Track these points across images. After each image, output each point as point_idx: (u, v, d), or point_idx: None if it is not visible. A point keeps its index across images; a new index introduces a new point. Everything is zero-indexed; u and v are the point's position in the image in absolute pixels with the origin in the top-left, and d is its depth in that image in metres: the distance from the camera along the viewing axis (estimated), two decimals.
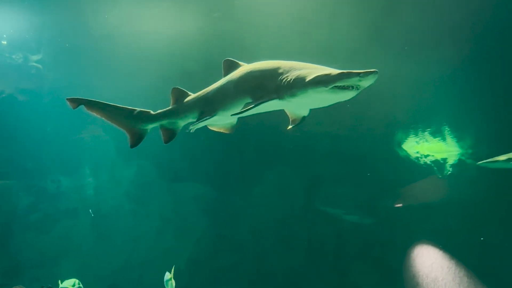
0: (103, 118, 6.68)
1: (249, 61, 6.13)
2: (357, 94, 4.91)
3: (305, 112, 5.82)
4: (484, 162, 12.27)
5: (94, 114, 6.59)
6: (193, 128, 6.42)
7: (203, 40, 12.35)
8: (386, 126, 13.93)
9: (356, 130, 13.95)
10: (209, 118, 6.10)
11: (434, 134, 14.39)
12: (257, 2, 11.30)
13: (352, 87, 4.80)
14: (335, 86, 4.81)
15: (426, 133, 14.44)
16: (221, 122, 6.44)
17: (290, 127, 5.96)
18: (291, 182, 15.36)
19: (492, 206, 13.95)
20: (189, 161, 14.94)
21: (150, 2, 11.67)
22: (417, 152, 15.07)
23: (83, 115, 14.10)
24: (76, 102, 6.43)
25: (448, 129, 14.12)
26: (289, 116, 5.95)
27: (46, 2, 12.16)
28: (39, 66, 13.97)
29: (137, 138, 6.79)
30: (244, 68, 5.97)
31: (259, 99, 5.37)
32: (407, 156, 14.99)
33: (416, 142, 14.82)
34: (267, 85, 5.40)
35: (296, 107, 5.67)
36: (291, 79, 5.13)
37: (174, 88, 6.91)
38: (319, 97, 5.01)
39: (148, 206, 15.57)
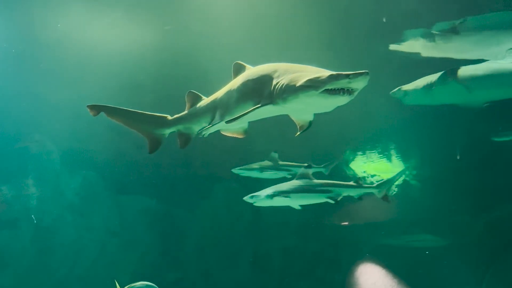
0: (123, 124, 6.61)
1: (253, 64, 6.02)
2: (352, 98, 4.75)
3: (310, 117, 5.55)
4: (238, 169, 12.64)
5: (114, 120, 6.52)
6: (205, 133, 6.32)
7: (155, 52, 12.26)
8: (334, 145, 14.09)
9: (304, 148, 14.04)
10: (217, 123, 5.99)
11: (381, 154, 14.67)
12: (210, 16, 11.29)
13: (344, 90, 4.65)
14: (326, 90, 4.66)
15: (373, 153, 14.69)
16: (232, 126, 6.23)
17: (298, 133, 5.72)
18: (238, 198, 15.32)
19: (434, 226, 14.31)
20: (136, 174, 14.74)
21: (102, 12, 11.49)
22: (364, 172, 15.32)
23: (27, 122, 13.97)
24: (97, 109, 6.38)
25: (394, 150, 14.43)
26: (295, 122, 5.68)
27: None
28: None
29: (155, 144, 6.69)
30: (247, 72, 5.80)
31: (256, 105, 5.25)
32: (354, 175, 15.20)
33: (364, 162, 15.07)
34: (263, 90, 5.26)
35: (294, 112, 5.49)
36: (283, 84, 4.97)
37: (189, 92, 6.72)
38: (312, 101, 4.85)
39: (93, 218, 15.24)
